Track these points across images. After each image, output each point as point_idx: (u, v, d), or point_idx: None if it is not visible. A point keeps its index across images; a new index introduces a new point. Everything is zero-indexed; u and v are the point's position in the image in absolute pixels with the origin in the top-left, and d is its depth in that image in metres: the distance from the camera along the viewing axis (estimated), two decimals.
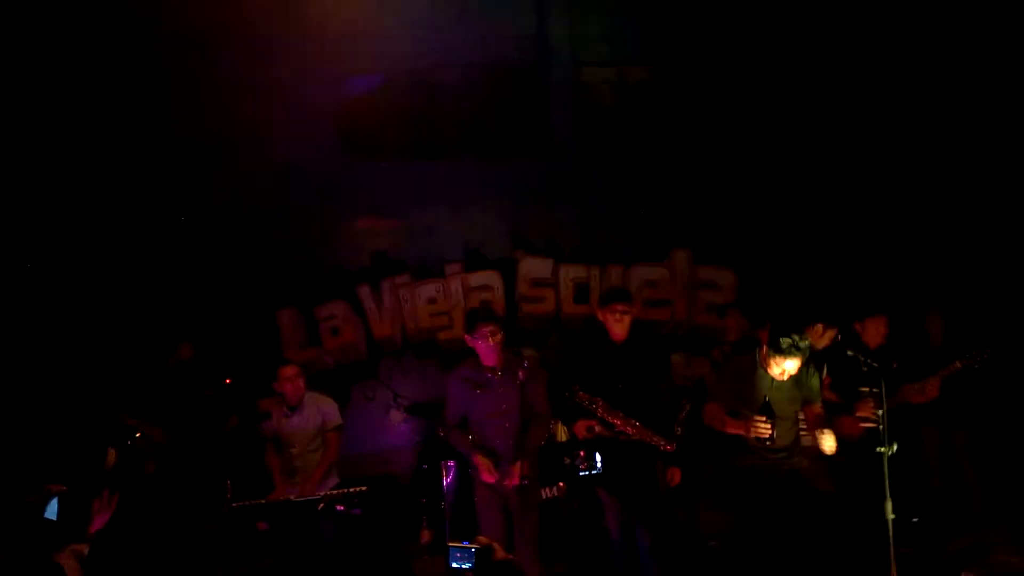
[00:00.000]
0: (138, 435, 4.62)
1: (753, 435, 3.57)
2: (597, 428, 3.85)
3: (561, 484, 4.96)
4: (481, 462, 3.85)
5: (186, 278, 6.02)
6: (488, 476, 3.84)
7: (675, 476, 3.94)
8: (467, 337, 3.98)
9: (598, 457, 3.78)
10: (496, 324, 3.90)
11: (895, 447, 3.49)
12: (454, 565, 2.45)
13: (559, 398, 4.03)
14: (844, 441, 3.82)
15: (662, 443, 3.80)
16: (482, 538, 2.74)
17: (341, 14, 6.04)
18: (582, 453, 3.78)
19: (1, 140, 5.51)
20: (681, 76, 6.80)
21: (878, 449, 3.50)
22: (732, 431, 3.69)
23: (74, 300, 5.65)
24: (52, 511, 2.96)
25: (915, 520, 4.16)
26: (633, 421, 3.82)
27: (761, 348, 3.71)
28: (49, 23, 5.73)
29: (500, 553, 2.64)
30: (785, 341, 3.51)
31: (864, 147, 6.39)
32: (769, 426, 3.56)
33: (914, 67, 6.27)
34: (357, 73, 6.49)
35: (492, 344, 3.85)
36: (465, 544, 2.39)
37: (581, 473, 3.80)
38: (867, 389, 4.06)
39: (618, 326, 3.90)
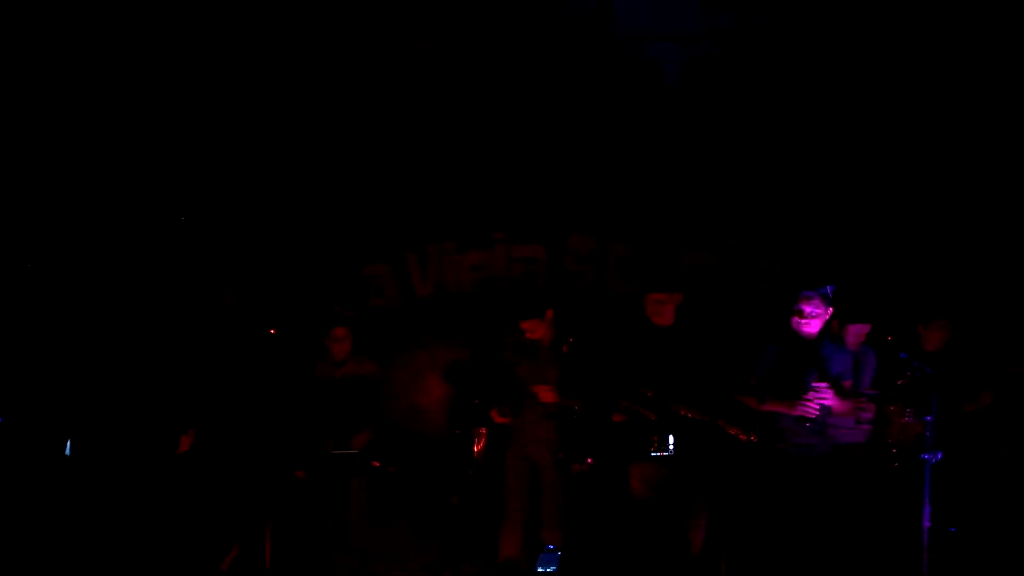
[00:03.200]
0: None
1: (799, 413, 3.55)
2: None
3: (589, 460, 4.98)
4: (540, 388, 3.85)
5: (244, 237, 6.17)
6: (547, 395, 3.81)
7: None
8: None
9: (671, 439, 3.75)
10: (536, 320, 3.87)
11: (939, 456, 3.44)
12: (540, 570, 2.43)
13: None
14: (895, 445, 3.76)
15: (739, 433, 3.74)
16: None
17: None
18: (655, 438, 3.76)
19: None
20: (747, 56, 6.62)
21: (921, 456, 3.45)
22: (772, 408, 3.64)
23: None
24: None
25: (952, 530, 4.09)
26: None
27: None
28: None
29: None
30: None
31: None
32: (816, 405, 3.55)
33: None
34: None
35: (530, 336, 3.90)
36: (550, 548, 2.38)
37: (652, 454, 3.78)
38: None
39: (657, 313, 3.89)
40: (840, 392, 3.61)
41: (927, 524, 3.37)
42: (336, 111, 6.33)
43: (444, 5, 6.23)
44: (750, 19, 6.28)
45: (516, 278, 6.31)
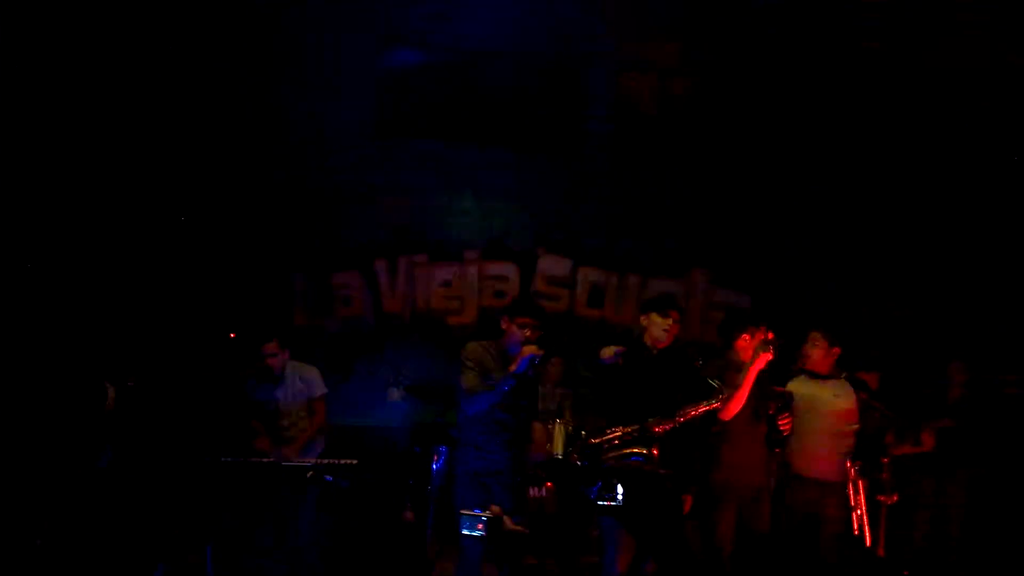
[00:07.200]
0: (130, 382, 4.61)
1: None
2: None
3: (549, 484, 4.91)
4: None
5: (210, 238, 6.03)
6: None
7: (687, 503, 3.80)
8: (504, 319, 3.92)
9: (619, 488, 3.64)
10: (536, 322, 3.81)
11: (896, 497, 3.44)
12: (464, 532, 2.46)
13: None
14: None
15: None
16: (494, 507, 2.71)
17: None
18: (601, 483, 3.65)
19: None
20: (724, 91, 6.71)
21: (878, 498, 3.45)
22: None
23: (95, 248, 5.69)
24: None
25: (906, 573, 4.09)
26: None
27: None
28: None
29: (509, 524, 2.63)
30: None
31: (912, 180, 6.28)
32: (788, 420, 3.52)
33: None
34: (395, 52, 6.46)
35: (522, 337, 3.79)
36: (476, 512, 2.38)
37: (599, 503, 3.67)
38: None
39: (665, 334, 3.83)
40: None
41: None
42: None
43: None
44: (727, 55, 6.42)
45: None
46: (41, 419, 4.07)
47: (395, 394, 6.10)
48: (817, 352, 3.93)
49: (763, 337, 3.54)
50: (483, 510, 3.00)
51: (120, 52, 5.84)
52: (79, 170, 5.76)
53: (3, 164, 5.42)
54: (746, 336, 3.76)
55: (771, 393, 3.67)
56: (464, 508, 3.54)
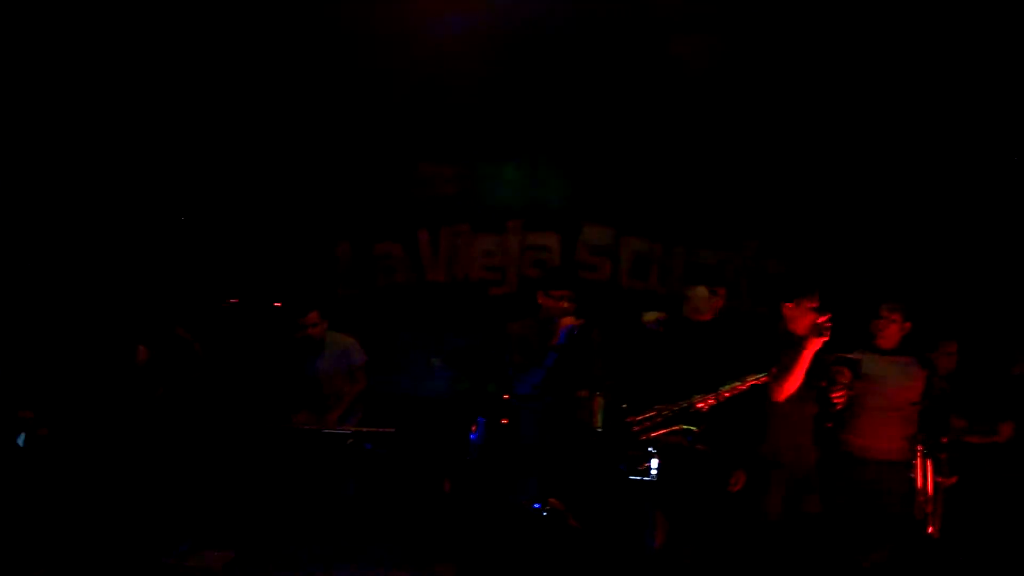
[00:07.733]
0: (175, 339, 4.67)
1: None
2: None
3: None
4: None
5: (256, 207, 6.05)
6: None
7: (739, 480, 3.70)
8: (539, 293, 3.88)
9: (654, 463, 3.52)
10: (571, 293, 3.77)
11: (955, 479, 3.29)
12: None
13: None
14: None
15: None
16: (554, 501, 2.68)
17: None
18: (633, 453, 3.54)
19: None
20: (776, 56, 6.43)
21: (936, 479, 3.29)
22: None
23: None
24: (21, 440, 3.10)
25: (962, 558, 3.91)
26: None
27: None
28: None
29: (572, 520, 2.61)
30: None
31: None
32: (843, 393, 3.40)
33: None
34: (439, 18, 6.34)
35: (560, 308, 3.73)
36: (536, 507, 2.37)
37: (631, 477, 3.57)
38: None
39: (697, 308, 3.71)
40: None
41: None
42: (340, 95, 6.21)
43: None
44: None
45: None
46: (74, 372, 4.17)
47: (435, 364, 6.09)
48: (892, 327, 3.75)
49: (817, 320, 3.37)
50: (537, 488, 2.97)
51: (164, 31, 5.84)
52: (124, 136, 5.84)
53: (49, 121, 5.51)
54: (789, 305, 3.62)
55: (834, 361, 3.53)
56: (520, 486, 3.54)
